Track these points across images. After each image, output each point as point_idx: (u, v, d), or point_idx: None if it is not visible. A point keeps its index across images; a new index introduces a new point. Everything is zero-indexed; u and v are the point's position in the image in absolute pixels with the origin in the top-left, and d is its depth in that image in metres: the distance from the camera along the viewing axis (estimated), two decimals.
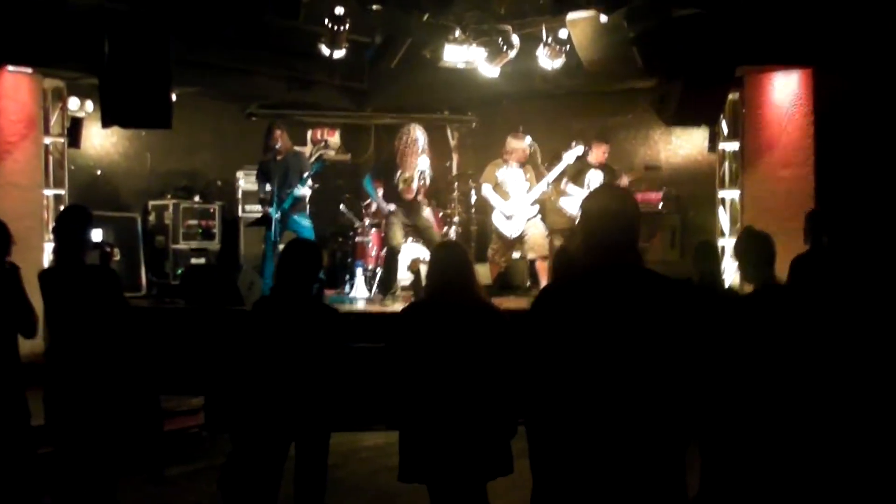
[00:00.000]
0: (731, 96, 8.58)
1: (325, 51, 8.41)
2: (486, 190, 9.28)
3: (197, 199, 10.58)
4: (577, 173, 9.34)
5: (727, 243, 9.01)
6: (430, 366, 4.04)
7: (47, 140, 8.75)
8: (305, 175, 8.72)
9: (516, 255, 9.67)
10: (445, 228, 10.17)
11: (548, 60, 8.77)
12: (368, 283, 9.96)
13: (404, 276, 9.43)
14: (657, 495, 2.75)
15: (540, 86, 9.66)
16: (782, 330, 4.21)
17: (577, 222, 8.68)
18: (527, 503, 4.13)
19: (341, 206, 10.77)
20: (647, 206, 9.53)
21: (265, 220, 8.82)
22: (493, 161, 9.39)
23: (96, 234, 5.45)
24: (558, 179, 9.26)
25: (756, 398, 4.17)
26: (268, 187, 8.76)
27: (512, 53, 8.69)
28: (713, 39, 7.06)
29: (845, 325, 4.70)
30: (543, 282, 8.93)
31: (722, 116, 8.64)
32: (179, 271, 9.94)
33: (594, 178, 9.34)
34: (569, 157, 9.13)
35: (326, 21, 8.09)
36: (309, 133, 11.96)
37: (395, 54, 9.39)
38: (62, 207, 8.35)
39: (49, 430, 4.86)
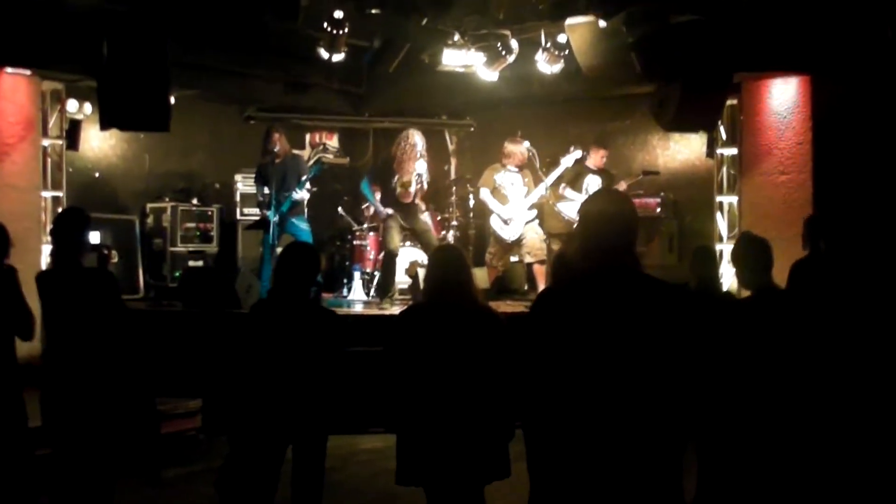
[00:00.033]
0: (729, 102, 8.60)
1: (324, 54, 8.41)
2: (485, 194, 9.29)
3: (195, 201, 10.58)
4: (575, 178, 9.36)
5: (725, 248, 9.02)
6: (428, 369, 4.04)
7: (45, 142, 8.74)
8: (304, 178, 8.72)
9: (514, 258, 9.67)
10: (443, 232, 10.17)
11: (546, 65, 8.79)
12: (366, 286, 9.97)
13: (402, 280, 9.43)
14: (654, 498, 2.75)
15: (538, 91, 9.68)
16: (779, 335, 4.22)
17: (575, 226, 8.72)
18: None
19: (339, 210, 10.77)
20: (645, 211, 9.55)
21: (263, 224, 8.81)
22: (492, 165, 9.40)
23: (94, 237, 5.48)
24: (556, 184, 9.28)
25: (753, 402, 4.17)
26: (266, 190, 8.76)
27: (511, 58, 8.71)
28: (711, 45, 7.07)
29: (843, 330, 4.71)
30: (541, 286, 8.93)
31: (720, 122, 8.66)
32: (177, 274, 9.93)
33: (592, 183, 9.36)
34: (567, 161, 9.14)
35: (325, 25, 8.09)
36: (307, 136, 11.96)
37: (393, 58, 9.40)
38: (60, 209, 8.34)
39: (46, 431, 4.86)
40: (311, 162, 10.48)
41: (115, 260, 6.33)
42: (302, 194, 8.76)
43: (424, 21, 8.35)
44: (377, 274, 9.61)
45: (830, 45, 7.61)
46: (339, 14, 8.04)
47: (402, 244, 9.20)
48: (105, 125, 7.16)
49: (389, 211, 8.80)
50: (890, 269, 5.53)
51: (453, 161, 12.29)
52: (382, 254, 9.18)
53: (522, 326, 3.02)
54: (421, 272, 8.27)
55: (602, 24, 7.62)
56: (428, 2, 8.06)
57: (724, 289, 7.46)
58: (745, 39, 7.42)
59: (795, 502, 4.23)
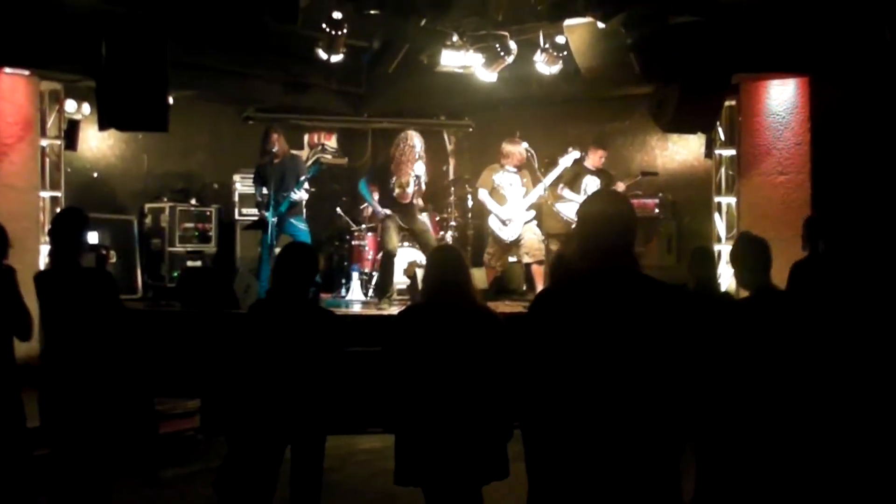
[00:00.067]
0: (727, 103, 8.62)
1: (323, 55, 8.41)
2: (483, 195, 9.29)
3: (193, 201, 10.57)
4: (573, 178, 9.37)
5: (723, 249, 9.03)
6: (427, 369, 4.05)
7: (44, 142, 8.74)
8: (302, 179, 8.72)
9: (512, 259, 9.67)
10: (442, 233, 10.18)
11: (545, 66, 8.80)
12: (364, 286, 9.97)
13: (400, 280, 9.43)
14: (652, 499, 2.75)
15: (537, 91, 9.69)
16: (778, 335, 4.22)
17: (573, 227, 8.72)
18: None
19: (338, 210, 10.77)
20: (643, 212, 9.55)
21: (261, 224, 8.81)
22: (490, 166, 9.40)
23: (92, 237, 5.47)
24: (555, 184, 9.28)
25: (751, 403, 4.17)
26: (264, 191, 8.76)
27: (509, 59, 8.71)
28: (710, 46, 7.08)
29: (841, 331, 4.71)
30: (539, 286, 8.93)
31: (718, 123, 8.66)
32: (175, 274, 9.93)
33: (591, 184, 9.37)
34: (565, 161, 9.15)
35: (324, 25, 8.09)
36: (306, 137, 11.96)
37: (392, 59, 9.40)
38: (58, 210, 8.33)
39: (44, 432, 4.86)
40: (310, 162, 10.50)
41: (114, 260, 6.35)
42: (300, 195, 8.76)
43: (423, 22, 8.35)
44: (375, 274, 9.60)
45: (829, 46, 7.62)
46: (337, 15, 8.05)
47: (400, 244, 9.20)
48: (103, 125, 7.16)
49: (387, 211, 8.80)
50: (888, 269, 5.53)
51: (452, 161, 12.30)
52: (381, 254, 9.18)
53: (521, 327, 3.02)
54: (419, 272, 8.27)
55: (601, 25, 7.62)
56: (427, 3, 8.06)
57: (723, 289, 7.48)
58: (744, 40, 7.43)
59: (793, 503, 4.23)
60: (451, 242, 9.77)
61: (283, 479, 4.49)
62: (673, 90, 7.20)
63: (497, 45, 8.65)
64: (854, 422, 4.67)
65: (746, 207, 8.89)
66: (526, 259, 9.24)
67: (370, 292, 9.77)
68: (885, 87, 7.62)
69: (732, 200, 9.17)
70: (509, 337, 4.08)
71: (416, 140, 8.70)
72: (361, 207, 10.41)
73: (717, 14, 7.17)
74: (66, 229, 4.91)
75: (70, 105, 9.00)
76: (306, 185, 8.82)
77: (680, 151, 10.47)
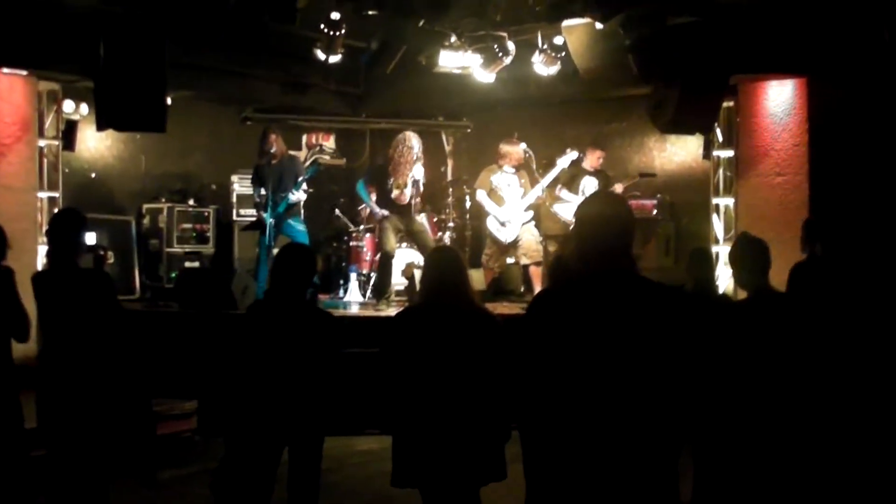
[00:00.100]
0: (725, 104, 8.61)
1: (321, 55, 8.41)
2: (481, 196, 9.29)
3: (191, 202, 10.57)
4: (571, 179, 9.37)
5: (721, 250, 9.04)
6: (424, 370, 4.04)
7: (42, 142, 8.73)
8: (300, 179, 8.71)
9: (510, 260, 9.67)
10: (440, 234, 10.17)
11: (543, 67, 8.80)
12: (362, 287, 9.97)
13: (398, 281, 9.42)
14: (650, 501, 2.75)
15: (535, 92, 9.68)
16: (776, 337, 4.22)
17: (571, 228, 8.72)
18: None
19: (336, 211, 10.77)
20: (641, 213, 9.55)
21: (259, 225, 8.81)
22: (488, 167, 9.40)
23: (90, 238, 5.47)
24: (553, 185, 9.29)
25: (749, 404, 4.17)
26: (262, 191, 8.75)
27: (507, 60, 8.71)
28: (708, 48, 7.08)
29: (839, 333, 4.71)
30: (537, 287, 8.94)
31: (717, 124, 8.67)
32: (173, 275, 9.93)
33: (589, 185, 9.37)
34: (563, 162, 9.15)
35: (322, 26, 8.08)
36: (304, 137, 11.95)
37: (390, 60, 9.41)
38: (56, 210, 8.33)
39: (42, 432, 4.85)
40: (308, 163, 10.48)
41: (112, 261, 6.36)
42: (298, 195, 8.76)
43: (421, 23, 8.36)
44: (373, 275, 9.60)
45: (827, 47, 7.62)
46: (336, 15, 8.04)
47: (398, 245, 9.20)
48: (101, 126, 7.15)
49: (385, 212, 8.79)
50: (887, 270, 5.54)
51: (450, 162, 12.29)
52: (379, 255, 9.18)
53: (519, 328, 3.01)
54: (417, 273, 8.27)
55: (599, 26, 7.63)
56: (425, 3, 8.06)
57: (721, 291, 7.48)
58: (742, 41, 7.43)
59: None
60: (448, 243, 9.77)
61: (281, 480, 4.49)
62: (671, 91, 7.20)
63: (495, 46, 8.65)
64: (851, 423, 4.66)
65: (744, 208, 8.90)
66: (524, 260, 9.24)
67: (368, 293, 9.77)
68: (883, 88, 7.63)
69: (730, 202, 9.17)
70: (507, 338, 4.08)
71: (414, 141, 8.70)
72: (359, 208, 10.41)
73: (715, 15, 7.18)
74: (63, 230, 4.91)
75: (68, 105, 9.00)
76: (304, 186, 8.82)
77: (678, 152, 10.47)
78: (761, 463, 4.15)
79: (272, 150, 8.76)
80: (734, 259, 4.61)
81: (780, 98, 8.53)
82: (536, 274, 9.14)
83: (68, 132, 8.95)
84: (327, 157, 11.81)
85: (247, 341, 4.52)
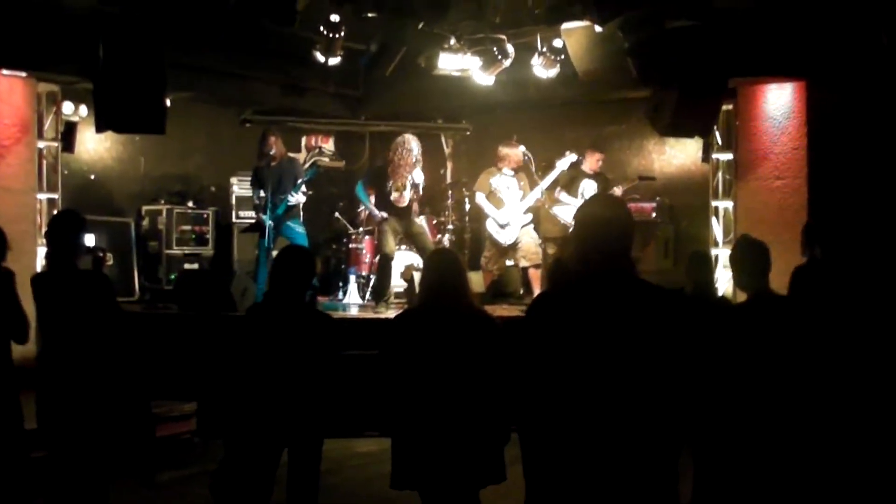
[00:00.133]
0: (724, 107, 8.62)
1: (321, 58, 8.41)
2: (480, 198, 9.29)
3: (191, 204, 10.56)
4: (570, 181, 9.38)
5: (720, 253, 9.04)
6: (424, 373, 4.05)
7: (41, 144, 8.73)
8: (299, 181, 8.71)
9: (509, 262, 9.67)
10: (439, 236, 10.18)
11: (542, 70, 8.80)
12: (362, 289, 9.97)
13: (398, 284, 9.42)
14: (649, 503, 2.76)
15: (534, 95, 9.69)
16: (775, 339, 4.22)
17: (570, 230, 8.72)
18: None
19: (336, 213, 10.77)
20: (641, 216, 9.55)
21: (258, 227, 8.81)
22: (487, 169, 9.41)
23: (89, 239, 5.45)
24: (552, 187, 9.29)
25: (748, 406, 4.18)
26: (262, 193, 8.75)
27: (507, 62, 8.71)
28: (707, 51, 7.09)
29: (838, 336, 4.71)
30: (537, 290, 8.95)
31: (715, 127, 8.67)
32: (173, 276, 9.93)
33: (588, 187, 9.38)
34: (562, 164, 9.16)
35: (322, 28, 8.08)
36: (303, 139, 11.96)
37: (390, 62, 9.38)
38: (55, 212, 8.32)
39: (42, 434, 4.85)
40: (307, 165, 10.49)
41: (111, 262, 6.34)
42: (298, 197, 8.76)
43: (421, 25, 8.36)
44: (373, 277, 9.60)
45: (826, 50, 7.63)
46: (335, 17, 8.04)
47: (397, 248, 9.19)
48: (101, 127, 7.15)
49: (384, 214, 8.79)
50: (886, 273, 5.54)
51: (449, 165, 12.30)
52: (378, 257, 9.18)
53: (518, 330, 3.02)
54: (416, 276, 8.27)
55: (598, 28, 7.63)
56: (424, 6, 8.06)
57: (720, 293, 7.49)
58: (741, 45, 7.44)
59: None
60: (448, 246, 9.77)
61: (280, 482, 4.49)
62: (670, 94, 7.21)
63: (495, 49, 8.65)
64: (850, 424, 4.67)
65: (743, 211, 8.90)
66: (523, 263, 9.25)
67: (367, 295, 9.77)
68: (881, 92, 7.63)
69: (730, 204, 9.18)
70: (506, 340, 4.08)
71: (413, 144, 8.69)
72: (358, 210, 10.41)
73: (713, 19, 7.18)
74: (62, 231, 4.91)
75: (67, 107, 9.00)
76: (304, 188, 8.82)
77: (677, 155, 10.48)
78: (761, 464, 4.16)
79: (271, 152, 8.75)
80: (734, 261, 4.62)
81: (779, 101, 8.54)
82: (535, 276, 9.15)
83: (67, 134, 8.95)
84: (326, 160, 11.83)
85: (246, 343, 4.53)
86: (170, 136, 7.98)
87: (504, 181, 9.25)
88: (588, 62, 8.23)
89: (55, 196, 8.86)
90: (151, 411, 6.51)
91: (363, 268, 10.12)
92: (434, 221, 10.32)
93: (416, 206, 8.95)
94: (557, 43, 8.53)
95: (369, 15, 8.16)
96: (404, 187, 8.64)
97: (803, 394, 4.21)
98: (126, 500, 5.74)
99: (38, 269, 7.68)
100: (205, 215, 10.55)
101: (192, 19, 7.75)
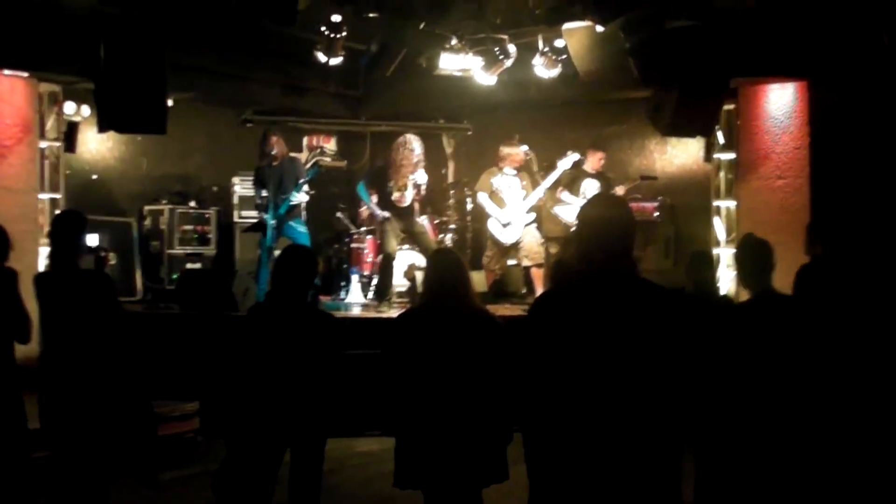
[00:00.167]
0: (726, 107, 8.62)
1: (322, 58, 8.42)
2: (482, 198, 9.29)
3: (192, 204, 10.58)
4: (572, 181, 9.37)
5: (722, 253, 9.04)
6: (426, 372, 4.05)
7: (43, 144, 8.74)
8: (301, 181, 8.72)
9: (511, 262, 9.67)
10: (441, 235, 10.18)
11: (544, 70, 8.80)
12: (364, 289, 9.97)
13: (400, 283, 9.43)
14: (652, 502, 2.76)
15: (536, 95, 9.69)
16: (778, 339, 4.22)
17: (572, 230, 8.72)
18: None
19: (337, 213, 10.77)
20: (642, 216, 9.55)
21: (260, 226, 8.82)
22: (488, 169, 9.41)
23: (91, 239, 5.48)
24: (553, 187, 9.29)
25: (751, 406, 4.17)
26: (263, 193, 8.76)
27: (508, 62, 8.72)
28: (708, 51, 7.08)
29: (840, 335, 4.71)
30: (538, 289, 8.94)
31: (717, 127, 8.67)
32: (174, 276, 9.94)
33: (590, 186, 9.37)
34: (563, 164, 9.16)
35: (323, 28, 8.09)
36: (305, 140, 11.97)
37: (390, 62, 9.40)
38: (57, 212, 8.33)
39: (44, 433, 4.85)
40: (309, 165, 10.51)
41: (113, 262, 6.36)
42: (300, 197, 8.77)
43: (422, 25, 8.36)
44: (375, 277, 9.61)
45: (827, 50, 7.62)
46: (336, 18, 8.05)
47: (399, 247, 9.20)
48: (102, 127, 7.15)
49: (386, 214, 8.79)
50: (887, 273, 5.53)
51: (451, 165, 12.31)
52: (380, 257, 9.19)
53: (520, 330, 3.02)
54: (419, 275, 8.27)
55: (599, 29, 7.63)
56: (424, 6, 8.07)
57: (722, 293, 7.48)
58: (742, 45, 7.43)
59: None
60: (450, 245, 9.77)
61: (282, 481, 4.49)
62: (671, 94, 7.20)
63: (496, 49, 8.66)
64: (853, 424, 4.66)
65: (745, 211, 8.90)
66: (525, 262, 9.25)
67: (369, 295, 9.77)
68: (883, 91, 7.63)
69: (731, 204, 9.18)
70: (508, 340, 4.08)
71: (415, 144, 8.69)
72: (360, 210, 10.41)
73: (715, 18, 7.18)
74: (65, 231, 4.92)
75: (69, 107, 9.00)
76: (305, 188, 8.83)
77: (679, 155, 10.48)
78: (763, 464, 4.15)
79: (273, 152, 8.77)
80: (738, 260, 4.63)
81: (780, 101, 8.54)
82: (538, 276, 9.14)
83: (69, 134, 8.95)
84: (328, 159, 11.83)
85: (248, 343, 4.53)
86: (171, 137, 7.98)
87: (506, 181, 9.25)
88: (589, 62, 8.23)
89: (57, 196, 8.86)
90: (153, 411, 6.50)
91: (365, 267, 10.12)
92: (436, 221, 10.32)
93: (416, 206, 8.95)
94: (559, 43, 8.52)
95: (370, 15, 8.17)
96: (405, 187, 8.64)
97: (806, 393, 4.21)
98: (128, 500, 5.75)
99: (40, 268, 7.68)
100: (206, 215, 10.56)
101: (193, 20, 7.76)
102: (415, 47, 9.06)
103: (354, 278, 10.00)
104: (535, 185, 9.29)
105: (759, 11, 7.50)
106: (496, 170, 9.31)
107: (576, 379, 2.79)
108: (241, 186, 10.61)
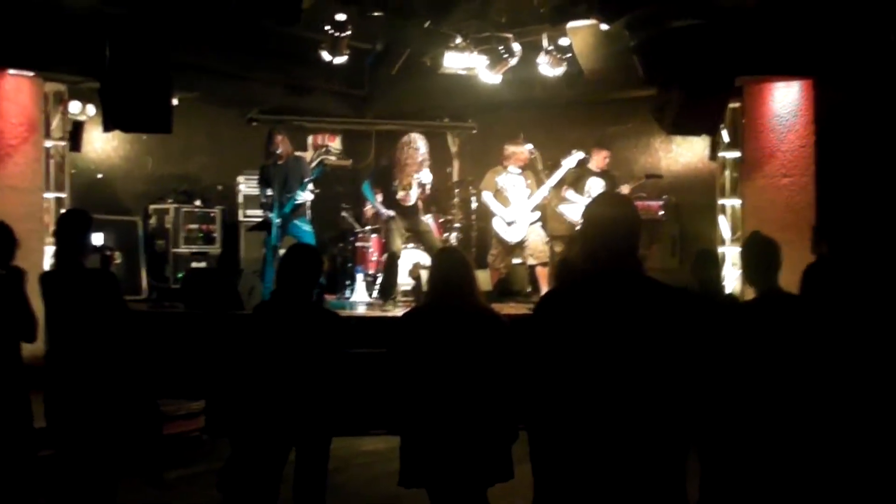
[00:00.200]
0: (731, 105, 8.61)
1: (326, 57, 8.43)
2: (487, 197, 9.29)
3: (198, 203, 10.59)
4: (576, 179, 9.37)
5: (727, 251, 9.03)
6: (431, 371, 4.05)
7: (48, 143, 8.76)
8: (306, 180, 8.73)
9: (516, 260, 9.67)
10: (446, 234, 10.18)
11: (548, 68, 8.80)
12: (369, 288, 9.97)
13: (405, 282, 9.43)
14: (657, 501, 2.76)
15: (540, 94, 9.68)
16: (783, 337, 4.21)
17: (577, 229, 8.71)
18: None
19: (342, 212, 10.78)
20: (647, 214, 9.53)
21: (265, 225, 8.83)
22: (493, 168, 9.41)
23: (97, 238, 5.47)
24: (558, 186, 9.29)
25: (756, 405, 4.17)
26: (269, 192, 8.78)
27: (513, 61, 8.72)
28: (713, 49, 7.07)
29: (848, 334, 4.70)
30: (543, 288, 8.94)
31: (722, 125, 8.65)
32: (180, 275, 9.94)
33: (594, 185, 9.36)
34: (568, 163, 9.15)
35: (328, 27, 8.10)
36: (309, 139, 11.97)
37: (395, 61, 9.40)
38: (63, 211, 8.35)
39: (50, 432, 4.86)
40: (314, 164, 10.50)
41: (118, 261, 6.35)
42: (305, 196, 8.78)
43: (426, 24, 8.36)
44: (380, 276, 9.61)
45: (833, 48, 7.61)
46: (341, 17, 8.06)
47: (404, 246, 9.20)
48: (108, 127, 7.18)
49: (391, 213, 8.80)
50: (893, 272, 5.52)
51: (455, 163, 12.29)
52: (385, 255, 9.19)
53: (525, 328, 3.02)
54: (424, 274, 8.27)
55: (604, 27, 7.63)
56: (426, 6, 8.07)
57: (727, 292, 7.47)
58: (747, 43, 7.42)
59: None
60: (454, 244, 9.77)
61: (287, 480, 4.49)
62: (676, 93, 7.20)
63: (501, 47, 8.66)
64: (857, 424, 4.66)
65: (750, 210, 8.89)
66: (530, 261, 9.25)
67: (374, 294, 9.77)
68: (889, 90, 7.61)
69: (737, 203, 9.16)
70: (514, 339, 4.08)
71: (420, 143, 8.69)
72: (365, 209, 10.42)
73: (720, 17, 7.17)
74: (70, 230, 4.93)
75: (74, 106, 9.01)
76: (310, 187, 8.84)
77: (684, 154, 10.46)
78: (768, 464, 4.15)
79: (278, 151, 8.78)
80: (744, 258, 4.62)
81: (786, 100, 8.53)
82: (543, 274, 9.14)
83: (74, 133, 8.96)
84: (333, 158, 11.82)
85: (253, 342, 4.53)
86: (176, 136, 8.00)
87: (510, 179, 9.25)
88: (594, 61, 8.23)
89: (62, 195, 8.89)
90: (159, 409, 6.52)
91: (370, 266, 10.12)
92: (441, 220, 10.32)
93: (421, 205, 8.95)
94: (564, 41, 8.52)
95: (374, 14, 8.18)
96: (410, 186, 8.64)
97: (811, 392, 4.21)
98: (134, 499, 5.75)
99: (46, 267, 7.70)
100: (212, 214, 10.58)
101: (196, 20, 7.77)
102: (419, 46, 9.06)
103: (359, 277, 10.01)
104: (539, 183, 9.29)
105: (764, 9, 7.49)
106: (501, 168, 9.31)
107: (581, 378, 2.79)
108: (246, 185, 10.62)
